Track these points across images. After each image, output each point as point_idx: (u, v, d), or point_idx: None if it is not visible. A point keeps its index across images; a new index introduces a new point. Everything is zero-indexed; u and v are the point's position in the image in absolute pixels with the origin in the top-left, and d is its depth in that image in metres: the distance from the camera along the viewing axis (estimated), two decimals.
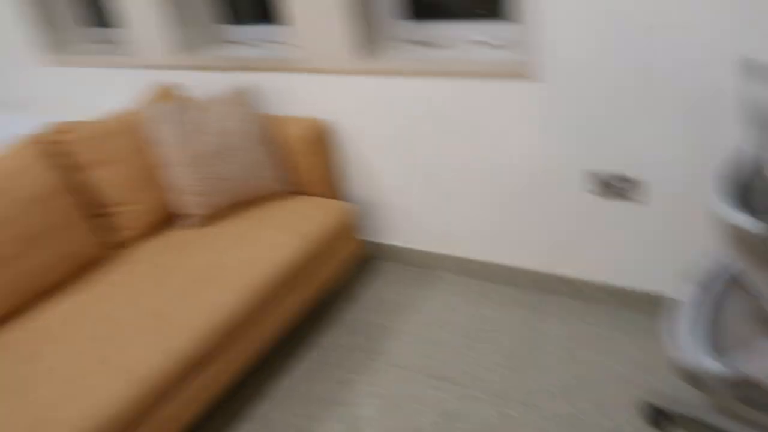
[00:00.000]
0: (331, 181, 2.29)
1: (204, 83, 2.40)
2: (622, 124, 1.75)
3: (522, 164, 1.98)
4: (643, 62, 1.63)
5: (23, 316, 1.62)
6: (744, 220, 1.04)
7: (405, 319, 2.10)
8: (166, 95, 2.21)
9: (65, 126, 1.87)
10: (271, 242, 1.86)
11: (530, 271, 2.15)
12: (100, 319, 1.56)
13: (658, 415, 1.56)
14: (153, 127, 1.97)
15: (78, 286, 1.73)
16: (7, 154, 1.72)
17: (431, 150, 2.12)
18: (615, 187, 1.84)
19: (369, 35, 2.09)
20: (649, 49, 1.61)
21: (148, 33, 2.40)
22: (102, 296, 1.66)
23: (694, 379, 1.20)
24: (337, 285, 2.33)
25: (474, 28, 2.05)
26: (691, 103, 1.62)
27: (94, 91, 2.73)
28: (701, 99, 1.60)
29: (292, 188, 2.24)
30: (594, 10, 1.63)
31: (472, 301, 2.15)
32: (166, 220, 2.05)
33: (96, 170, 1.89)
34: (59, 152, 1.84)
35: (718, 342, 1.24)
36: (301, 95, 2.26)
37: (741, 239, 1.07)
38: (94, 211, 1.89)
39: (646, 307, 1.98)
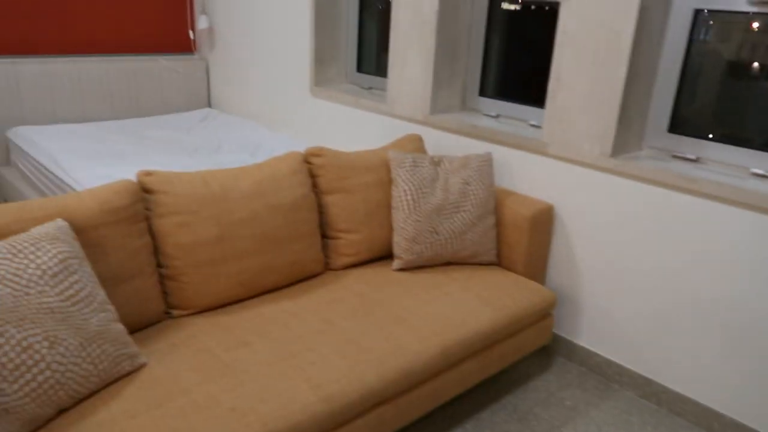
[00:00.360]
0: (537, 263, 2.24)
1: (449, 143, 2.53)
2: None
3: (753, 301, 1.74)
4: None
5: (246, 306, 1.80)
6: None
7: (570, 424, 1.94)
8: (413, 145, 2.37)
9: (318, 150, 2.09)
10: (468, 307, 1.86)
11: (728, 418, 1.86)
12: (304, 329, 1.67)
13: None
14: (393, 170, 2.12)
15: (293, 293, 1.88)
16: (279, 162, 1.97)
17: (650, 263, 1.98)
18: None
19: (622, 138, 2.04)
20: None
21: (411, 89, 2.61)
22: (309, 308, 1.79)
23: None
24: (513, 366, 2.24)
25: (759, 158, 1.89)
26: None
27: (348, 126, 3.02)
28: None
29: (497, 260, 2.23)
30: None
31: (650, 429, 1.92)
32: (380, 256, 2.17)
33: (333, 195, 2.07)
34: (310, 172, 2.06)
35: None
36: (533, 175, 2.26)
37: None
38: (324, 231, 2.07)
39: None
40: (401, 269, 2.10)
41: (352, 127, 2.99)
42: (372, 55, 3.15)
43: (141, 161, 2.70)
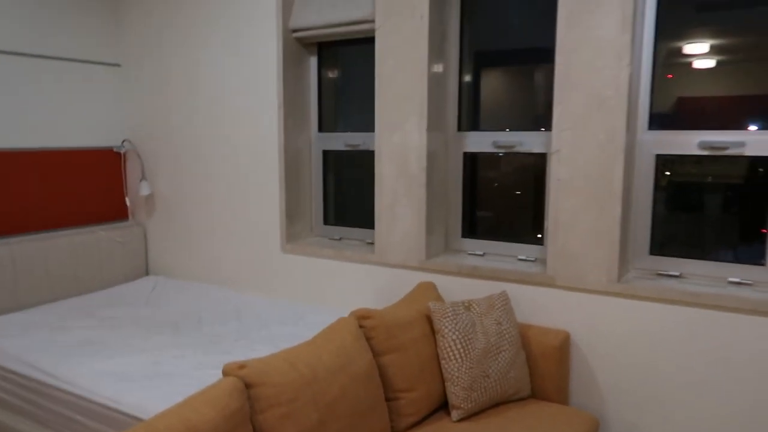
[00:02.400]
0: (565, 389, 2.40)
1: (453, 286, 2.68)
2: None
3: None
4: None
5: None
6: None
7: None
8: (431, 293, 2.48)
9: (366, 312, 2.12)
10: None
11: None
12: None
13: None
14: (436, 321, 2.20)
15: None
16: (340, 330, 1.96)
17: (669, 379, 2.23)
18: None
19: (620, 260, 2.35)
20: None
21: (403, 237, 2.76)
22: None
23: None
24: None
25: (732, 269, 2.28)
26: None
27: (330, 279, 3.05)
28: None
29: (531, 392, 2.35)
30: None
31: None
32: (438, 409, 2.18)
33: (388, 355, 2.09)
34: (365, 337, 2.07)
35: None
36: (544, 306, 2.48)
37: None
38: (387, 394, 2.05)
39: None
40: (462, 419, 2.13)
41: (334, 280, 3.03)
42: (339, 206, 3.29)
43: (132, 347, 2.47)
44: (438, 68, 2.70)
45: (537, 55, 2.65)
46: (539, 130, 2.62)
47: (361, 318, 2.10)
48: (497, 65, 2.77)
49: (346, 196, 3.27)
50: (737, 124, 2.24)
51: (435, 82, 2.69)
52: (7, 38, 3.10)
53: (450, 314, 2.21)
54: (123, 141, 3.69)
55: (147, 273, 3.76)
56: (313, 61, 3.23)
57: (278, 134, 3.11)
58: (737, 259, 2.29)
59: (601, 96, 2.27)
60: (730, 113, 2.26)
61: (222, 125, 3.31)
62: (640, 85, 2.36)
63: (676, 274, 2.38)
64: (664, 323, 2.25)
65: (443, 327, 2.19)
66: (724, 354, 2.15)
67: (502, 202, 2.81)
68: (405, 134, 2.71)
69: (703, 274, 2.34)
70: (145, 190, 3.57)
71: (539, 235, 2.69)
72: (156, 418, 1.36)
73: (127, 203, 3.73)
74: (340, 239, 3.24)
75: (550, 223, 2.44)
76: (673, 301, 2.23)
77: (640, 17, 2.29)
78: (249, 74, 3.17)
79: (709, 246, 2.36)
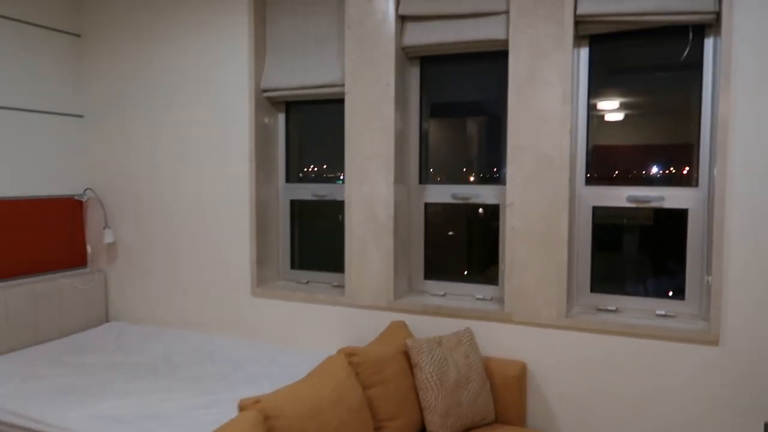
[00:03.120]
0: (524, 414, 2.70)
1: (421, 325, 2.94)
2: None
3: (695, 404, 2.44)
4: None
5: None
6: None
7: None
8: (403, 330, 2.73)
9: (352, 350, 2.34)
10: None
11: None
12: None
13: None
14: (414, 356, 2.45)
15: None
16: (333, 367, 2.17)
17: (611, 400, 2.59)
18: None
19: (568, 298, 2.71)
20: None
21: (372, 280, 3.01)
22: None
23: None
24: None
25: (658, 303, 2.69)
26: None
27: (300, 321, 3.23)
28: None
29: (495, 417, 2.63)
30: None
31: None
32: None
33: (374, 389, 2.31)
34: (353, 372, 2.29)
35: None
36: (502, 340, 2.79)
37: None
38: (374, 423, 2.26)
39: None
40: None
41: (305, 322, 3.21)
42: (304, 252, 3.50)
43: (115, 392, 2.54)
44: (402, 128, 3.03)
45: (485, 113, 3.03)
46: (494, 176, 2.98)
47: (349, 355, 2.32)
48: (452, 120, 3.13)
49: (311, 242, 3.49)
50: (642, 167, 2.69)
51: (400, 140, 3.00)
52: None
53: (425, 350, 2.47)
54: (85, 189, 3.75)
55: (107, 319, 3.77)
56: (282, 118, 3.47)
57: (249, 186, 3.30)
58: (662, 294, 2.70)
59: (548, 157, 2.66)
60: (636, 159, 2.71)
61: (189, 176, 3.47)
62: (578, 147, 2.78)
63: (613, 308, 2.76)
64: (606, 352, 2.61)
65: (420, 361, 2.44)
66: (656, 376, 2.53)
67: (458, 247, 3.13)
68: (373, 187, 3.00)
69: (635, 308, 2.74)
70: (108, 237, 3.62)
71: (493, 276, 3.02)
72: None
73: (88, 250, 3.76)
74: (307, 282, 3.44)
75: (506, 266, 2.77)
76: (612, 332, 2.60)
77: (575, 91, 2.72)
78: (219, 128, 3.37)
79: (638, 283, 2.77)
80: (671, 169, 2.68)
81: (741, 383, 2.39)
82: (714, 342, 2.44)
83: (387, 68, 2.93)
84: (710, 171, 2.53)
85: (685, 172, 2.64)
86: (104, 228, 3.67)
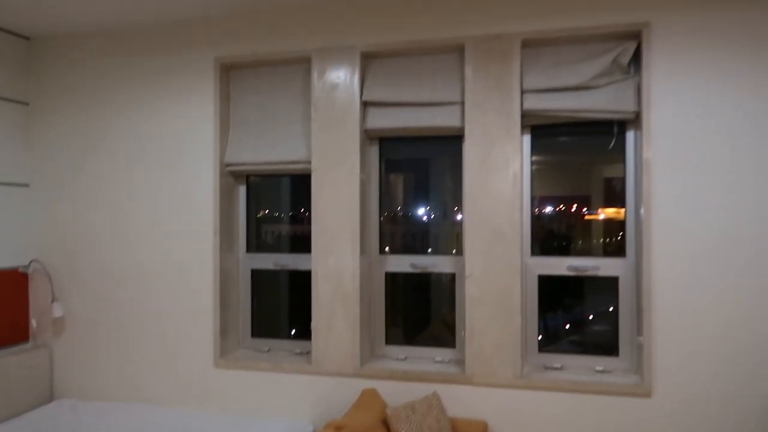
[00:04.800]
0: None
1: (388, 389, 3.11)
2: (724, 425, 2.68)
3: None
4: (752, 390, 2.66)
5: None
6: None
7: None
8: (376, 398, 2.90)
9: (338, 423, 2.48)
10: None
11: None
12: None
13: None
14: (394, 424, 2.63)
15: None
16: None
17: None
18: None
19: (521, 359, 3.00)
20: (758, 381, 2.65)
21: (338, 348, 3.17)
22: None
23: None
24: None
25: (596, 361, 3.05)
26: None
27: (265, 390, 3.30)
28: None
29: None
30: (699, 354, 2.70)
31: None
32: None
33: None
34: None
35: None
36: (465, 400, 3.02)
37: None
38: None
39: None
40: None
41: (271, 391, 3.29)
42: (264, 320, 3.59)
43: None
44: (365, 203, 3.26)
45: (440, 187, 3.34)
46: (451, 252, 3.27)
47: (338, 429, 2.45)
48: (409, 193, 3.41)
49: (270, 310, 3.59)
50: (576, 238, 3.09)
51: (363, 214, 3.23)
52: None
53: (404, 418, 2.65)
54: (31, 261, 3.64)
55: (52, 398, 3.62)
56: (242, 190, 3.60)
57: (213, 257, 3.38)
58: (600, 352, 3.07)
59: (501, 232, 2.99)
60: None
61: (146, 246, 3.48)
62: (524, 222, 3.13)
63: (559, 366, 3.09)
64: (555, 407, 2.91)
65: (400, 430, 2.61)
66: (599, 428, 2.85)
67: (417, 313, 3.37)
68: (339, 258, 3.18)
69: (577, 365, 3.08)
70: (57, 311, 3.53)
71: (447, 339, 3.27)
72: None
73: (33, 325, 3.63)
74: (269, 350, 3.52)
75: (466, 331, 3.03)
76: (560, 389, 2.92)
77: (521, 173, 3.08)
78: (181, 200, 3.43)
79: (578, 342, 3.12)
80: (607, 239, 3.09)
81: (672, 430, 2.77)
82: (647, 394, 2.81)
83: (352, 148, 3.17)
84: (636, 243, 2.96)
85: (616, 239, 3.06)
86: (52, 302, 3.57)
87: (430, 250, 3.36)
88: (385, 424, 2.68)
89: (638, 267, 2.93)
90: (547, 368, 3.09)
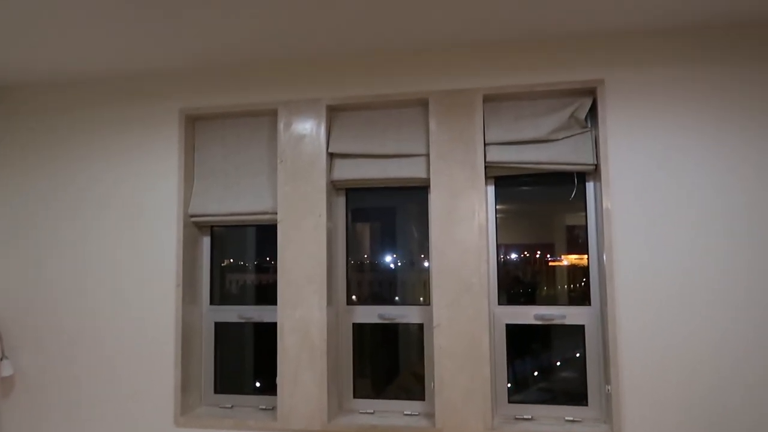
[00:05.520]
0: None
1: None
2: None
3: None
4: None
5: None
6: None
7: None
8: None
9: None
10: None
11: None
12: None
13: None
14: None
15: None
16: None
17: None
18: None
19: (492, 410, 2.98)
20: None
21: (304, 403, 3.08)
22: None
23: None
24: None
25: (566, 410, 3.04)
26: None
27: None
28: None
29: None
30: (667, 401, 2.73)
31: None
32: None
33: None
34: None
35: None
36: None
37: None
38: None
39: None
40: None
41: None
42: (227, 375, 3.48)
43: None
44: (332, 253, 3.24)
45: (404, 238, 3.36)
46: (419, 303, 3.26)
47: None
48: (374, 245, 3.41)
49: (234, 364, 3.49)
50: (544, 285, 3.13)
51: (330, 265, 3.21)
52: None
53: None
54: None
55: None
56: (206, 241, 3.55)
57: (175, 310, 3.29)
58: (569, 401, 3.07)
59: (468, 282, 3.00)
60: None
61: (102, 301, 3.37)
62: (490, 272, 3.16)
63: (529, 416, 3.07)
64: None
65: None
66: None
67: (385, 364, 3.32)
68: (307, 310, 3.14)
69: (547, 415, 3.07)
70: (6, 370, 3.35)
71: (414, 390, 3.22)
72: None
73: None
74: (232, 407, 3.40)
75: (435, 382, 3.00)
76: None
77: (486, 226, 3.13)
78: (141, 253, 3.36)
79: (547, 392, 3.12)
80: (571, 285, 3.14)
81: None
82: None
83: (319, 200, 3.18)
84: (600, 291, 3.01)
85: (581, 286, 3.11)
86: (0, 359, 3.39)
87: (397, 298, 3.34)
88: None
89: (603, 315, 2.97)
90: (517, 419, 3.06)
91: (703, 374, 2.76)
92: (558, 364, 3.14)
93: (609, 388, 2.87)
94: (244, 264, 3.54)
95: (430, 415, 3.16)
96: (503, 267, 3.20)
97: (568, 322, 3.07)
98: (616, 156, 2.91)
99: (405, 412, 3.20)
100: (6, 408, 3.46)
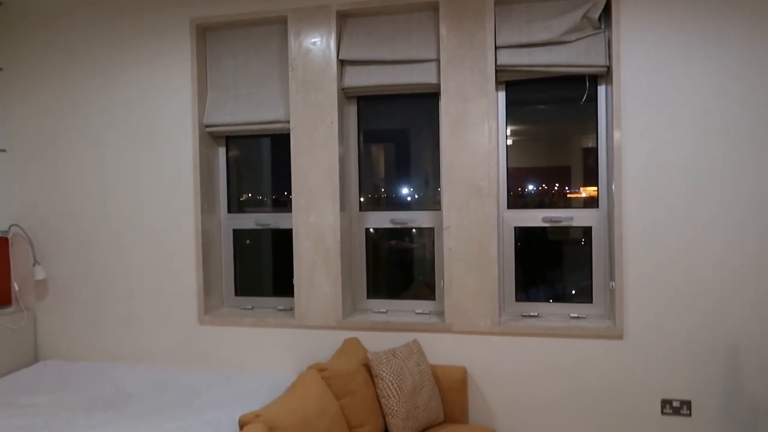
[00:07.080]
0: (466, 412, 3.05)
1: (370, 340, 3.21)
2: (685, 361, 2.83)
3: (606, 388, 2.93)
4: (710, 329, 2.80)
5: None
6: None
7: None
8: (358, 346, 2.99)
9: (322, 366, 2.57)
10: None
11: None
12: None
13: None
14: (375, 367, 2.72)
15: None
16: (311, 383, 2.38)
17: (538, 393, 3.02)
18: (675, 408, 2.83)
19: (499, 308, 3.11)
20: (717, 323, 2.79)
21: (321, 302, 3.25)
22: None
23: None
24: None
25: (571, 308, 3.17)
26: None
27: (251, 345, 3.37)
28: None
29: (444, 417, 2.96)
30: (667, 297, 2.83)
31: None
32: None
33: (344, 399, 2.55)
34: (326, 386, 2.51)
35: None
36: (443, 348, 3.13)
37: None
38: (348, 431, 2.50)
39: None
40: None
41: (255, 346, 3.37)
42: (247, 279, 3.65)
43: (81, 427, 2.55)
44: (344, 161, 3.31)
45: (415, 145, 3.41)
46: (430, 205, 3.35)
47: (321, 370, 2.54)
48: (385, 150, 3.47)
49: (253, 269, 3.65)
50: (551, 188, 3.20)
51: (343, 172, 3.29)
52: None
53: (385, 361, 2.75)
54: (10, 226, 3.64)
55: (36, 359, 3.66)
56: (222, 151, 3.63)
57: (194, 218, 3.42)
58: (575, 299, 3.19)
59: (478, 186, 3.07)
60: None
61: (128, 209, 3.51)
62: (500, 176, 3.22)
63: (535, 314, 3.21)
64: (532, 352, 3.04)
65: (381, 372, 2.71)
66: (575, 370, 2.99)
67: (396, 267, 3.45)
68: (320, 216, 3.25)
69: (552, 313, 3.20)
70: (39, 274, 3.54)
71: (424, 292, 3.37)
72: None
73: (15, 288, 3.64)
74: (252, 308, 3.59)
75: (445, 282, 3.13)
76: (536, 335, 3.04)
77: (497, 129, 3.16)
78: (161, 163, 3.45)
79: (555, 290, 3.24)
80: (579, 188, 3.19)
81: (642, 368, 2.91)
82: (619, 336, 2.94)
83: (330, 107, 3.22)
84: (608, 193, 3.07)
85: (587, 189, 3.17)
86: (33, 265, 3.58)
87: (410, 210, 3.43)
88: (367, 367, 2.77)
89: (610, 216, 3.04)
90: (523, 316, 3.20)
91: (705, 272, 2.84)
92: (564, 262, 3.25)
93: (613, 284, 2.98)
94: (260, 171, 3.62)
95: (440, 314, 3.31)
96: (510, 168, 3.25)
97: (575, 224, 3.14)
98: (628, 57, 2.88)
99: (416, 311, 3.36)
100: (41, 310, 3.68)
